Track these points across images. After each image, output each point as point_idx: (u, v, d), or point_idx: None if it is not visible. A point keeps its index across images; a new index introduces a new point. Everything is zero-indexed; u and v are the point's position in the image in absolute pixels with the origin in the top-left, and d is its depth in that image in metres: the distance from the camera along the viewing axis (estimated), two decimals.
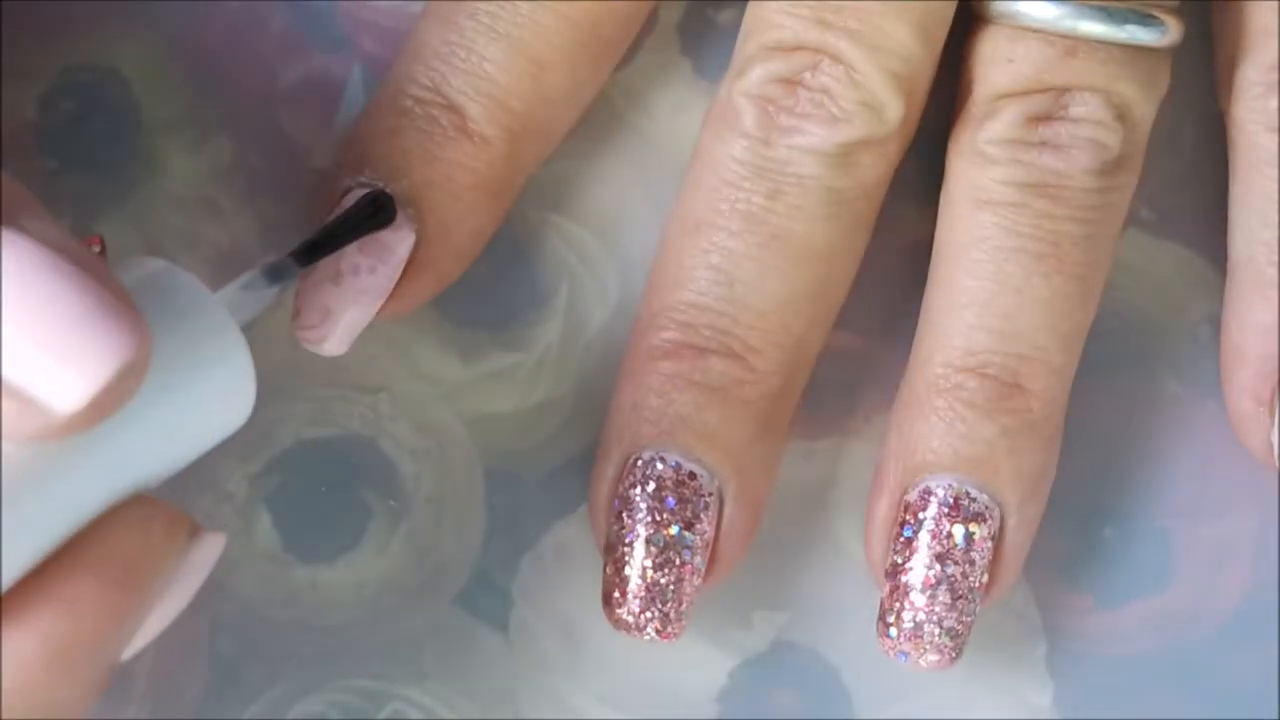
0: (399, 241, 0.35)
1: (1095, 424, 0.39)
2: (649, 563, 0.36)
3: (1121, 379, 0.39)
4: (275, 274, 0.32)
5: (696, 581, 0.36)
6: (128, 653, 0.30)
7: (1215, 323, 0.39)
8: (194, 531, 0.30)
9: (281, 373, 0.38)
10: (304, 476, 0.39)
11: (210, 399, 0.30)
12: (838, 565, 0.39)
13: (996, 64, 0.36)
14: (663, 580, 0.36)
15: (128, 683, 0.38)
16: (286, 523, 0.39)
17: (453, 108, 0.36)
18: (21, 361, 0.26)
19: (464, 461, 0.39)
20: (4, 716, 0.28)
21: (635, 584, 0.36)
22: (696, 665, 0.39)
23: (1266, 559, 0.40)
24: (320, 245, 0.34)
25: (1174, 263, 0.40)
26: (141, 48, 0.39)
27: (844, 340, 0.39)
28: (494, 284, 0.39)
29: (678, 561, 0.36)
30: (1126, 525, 0.40)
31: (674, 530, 0.36)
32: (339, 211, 0.35)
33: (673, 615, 0.36)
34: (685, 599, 0.36)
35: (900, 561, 0.36)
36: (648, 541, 0.36)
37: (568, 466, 0.39)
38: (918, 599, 0.36)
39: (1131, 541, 0.40)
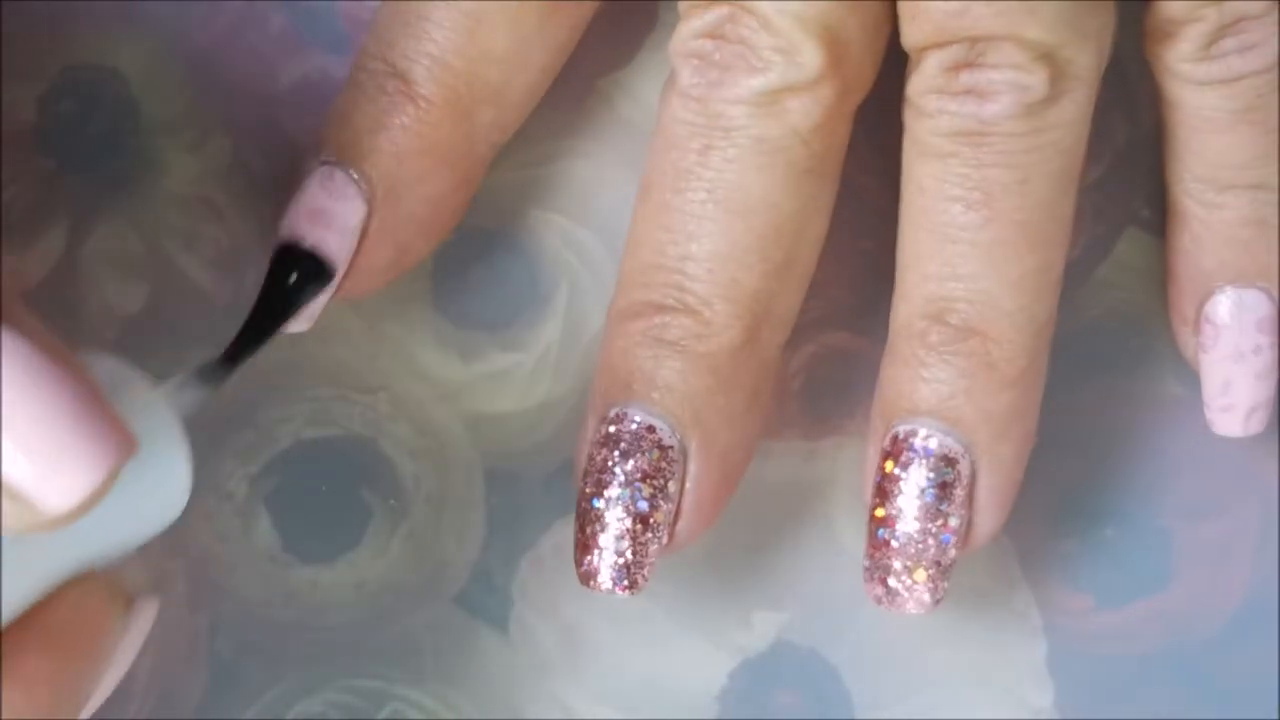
0: (349, 211, 0.36)
1: (1095, 424, 0.39)
2: (611, 518, 0.36)
3: (1121, 379, 0.39)
4: (206, 377, 0.33)
5: (661, 537, 0.36)
6: (83, 715, 0.32)
7: None
8: (130, 601, 0.32)
9: (281, 373, 0.38)
10: (304, 476, 0.39)
11: (152, 489, 0.31)
12: (838, 565, 0.39)
13: (906, 19, 0.36)
14: (625, 536, 0.36)
15: (128, 682, 0.38)
16: (286, 523, 0.39)
17: (398, 74, 0.36)
18: (20, 464, 0.28)
19: (464, 461, 0.39)
20: None
21: (598, 539, 0.36)
22: (696, 665, 0.39)
23: (1266, 559, 0.40)
24: (248, 342, 0.34)
25: None
26: (141, 48, 0.38)
27: (844, 340, 0.39)
28: (494, 284, 0.39)
29: (639, 517, 0.36)
30: (1126, 525, 0.39)
31: (636, 485, 0.36)
32: (259, 295, 0.35)
33: (633, 569, 0.36)
34: (648, 553, 0.36)
35: (877, 506, 0.37)
36: (610, 498, 0.36)
37: (568, 466, 0.39)
38: (893, 543, 0.36)
39: (1131, 541, 0.39)
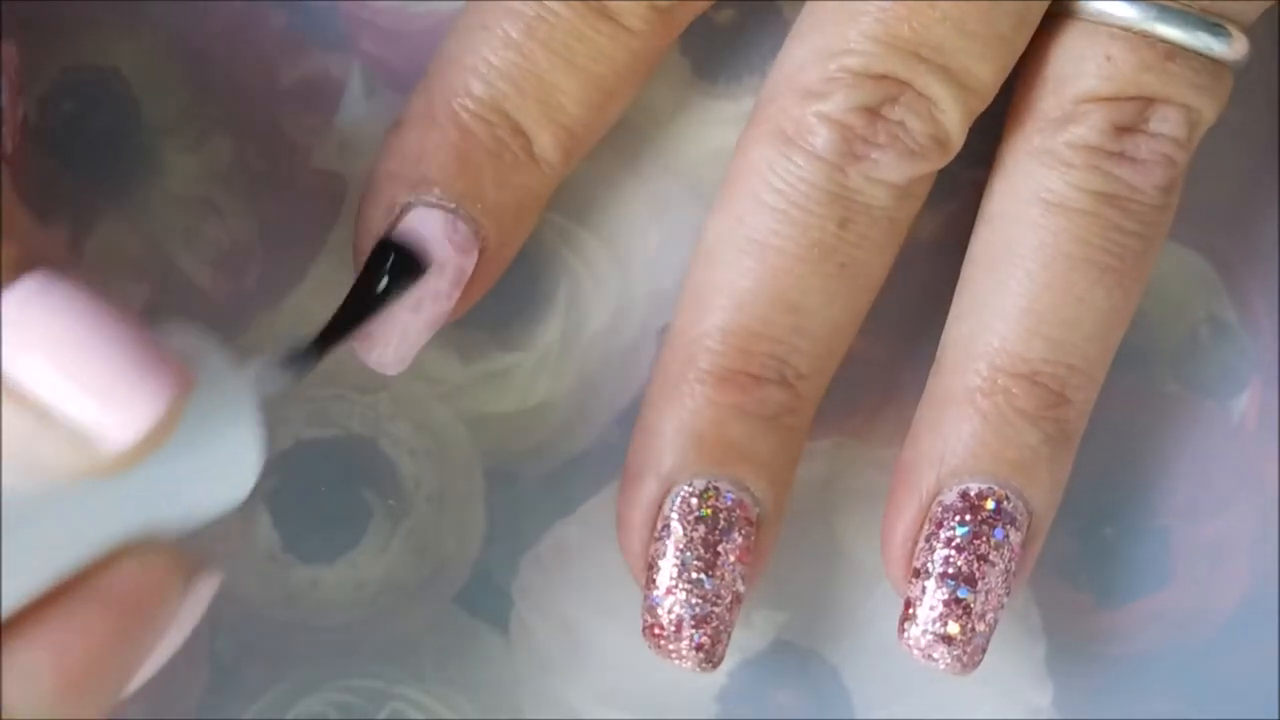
0: (468, 264, 0.35)
1: (1095, 424, 0.39)
2: (696, 594, 0.35)
3: (1121, 379, 0.39)
4: (290, 363, 0.33)
5: (739, 609, 0.36)
6: (129, 688, 0.31)
7: (1215, 323, 0.39)
8: (193, 572, 0.31)
9: None
10: (304, 476, 0.39)
11: (220, 465, 0.31)
12: (838, 565, 0.39)
13: (1091, 60, 0.35)
14: (710, 613, 0.35)
15: None
16: (286, 523, 0.39)
17: (521, 132, 0.36)
18: (77, 399, 0.28)
19: (464, 461, 0.39)
20: None
21: (681, 615, 0.35)
22: None
23: (1266, 559, 0.40)
24: (337, 330, 0.34)
25: (1174, 263, 0.40)
26: (141, 48, 0.38)
27: None
28: (494, 284, 0.39)
29: (724, 592, 0.35)
30: (1126, 525, 0.40)
31: (720, 561, 0.35)
32: (354, 287, 0.35)
33: (720, 648, 0.36)
34: (730, 629, 0.36)
35: (936, 561, 0.36)
36: (697, 572, 0.35)
37: (568, 466, 0.39)
38: (954, 600, 0.35)
39: (1131, 541, 0.40)
